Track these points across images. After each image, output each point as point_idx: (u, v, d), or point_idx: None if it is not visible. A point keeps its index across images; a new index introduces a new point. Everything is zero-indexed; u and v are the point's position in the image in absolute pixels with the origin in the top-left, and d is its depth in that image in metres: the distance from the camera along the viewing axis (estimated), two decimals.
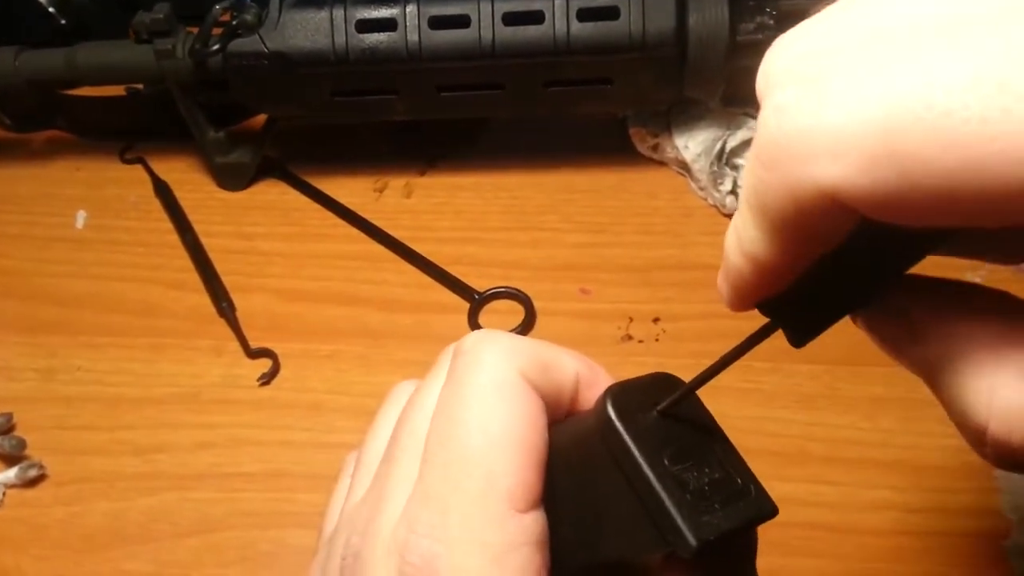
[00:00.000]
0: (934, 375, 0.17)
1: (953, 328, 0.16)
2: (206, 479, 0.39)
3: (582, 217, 0.50)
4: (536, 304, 0.45)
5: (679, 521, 0.20)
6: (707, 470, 0.21)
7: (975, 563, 0.34)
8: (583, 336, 0.44)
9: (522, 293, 0.46)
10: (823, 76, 0.14)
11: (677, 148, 0.50)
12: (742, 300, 0.19)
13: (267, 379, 0.43)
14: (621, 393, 0.22)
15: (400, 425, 0.26)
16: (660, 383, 0.23)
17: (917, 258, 0.17)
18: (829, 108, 0.14)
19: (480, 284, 0.46)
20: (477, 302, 0.46)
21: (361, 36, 0.44)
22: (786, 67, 0.15)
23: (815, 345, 0.43)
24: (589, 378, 0.25)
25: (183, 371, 0.44)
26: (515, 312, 0.45)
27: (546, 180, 0.53)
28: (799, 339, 0.20)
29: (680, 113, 0.50)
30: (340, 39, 0.44)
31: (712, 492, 0.21)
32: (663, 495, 0.20)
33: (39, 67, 0.50)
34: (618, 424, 0.21)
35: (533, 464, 0.22)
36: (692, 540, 0.20)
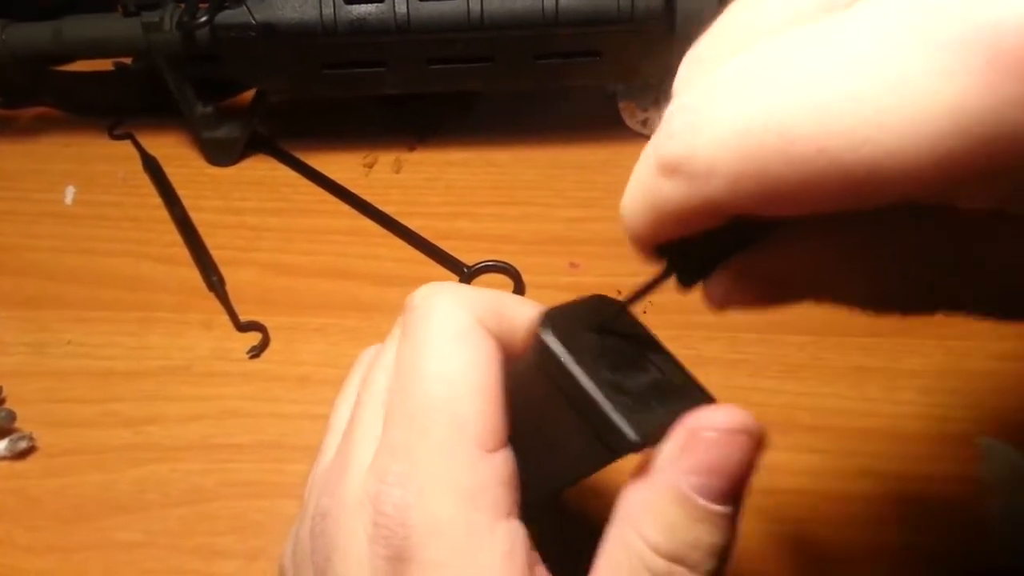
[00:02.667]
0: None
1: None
2: (196, 450, 0.39)
3: (572, 192, 0.50)
4: (525, 278, 0.46)
5: (617, 421, 0.20)
6: (643, 374, 0.22)
7: (955, 530, 0.35)
8: None
9: (511, 267, 0.46)
10: (699, 102, 0.17)
11: None
12: (637, 250, 0.21)
13: (257, 352, 0.43)
14: (555, 315, 0.22)
15: (363, 386, 0.26)
16: (595, 305, 0.23)
17: (774, 225, 0.19)
18: (700, 137, 0.16)
19: (469, 258, 0.47)
20: (466, 276, 0.46)
21: (349, 7, 0.44)
22: (677, 83, 0.18)
23: (801, 316, 0.44)
24: None
25: (173, 344, 0.44)
26: (504, 286, 0.45)
27: (536, 155, 0.53)
28: (686, 281, 0.21)
29: (669, 87, 0.50)
30: (328, 10, 0.44)
31: (650, 393, 0.21)
32: (599, 399, 0.20)
33: (26, 41, 0.50)
34: (551, 343, 0.21)
35: (495, 404, 0.23)
36: (632, 434, 0.20)
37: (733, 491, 0.20)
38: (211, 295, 0.46)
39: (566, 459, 0.23)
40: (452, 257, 0.47)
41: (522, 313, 0.25)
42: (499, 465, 0.22)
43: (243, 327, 0.44)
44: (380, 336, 0.43)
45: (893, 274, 0.19)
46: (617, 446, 0.20)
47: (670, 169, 0.17)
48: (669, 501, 0.20)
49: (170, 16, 0.47)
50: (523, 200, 0.50)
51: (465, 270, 0.46)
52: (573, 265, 0.46)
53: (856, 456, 0.37)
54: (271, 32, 0.45)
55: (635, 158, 0.58)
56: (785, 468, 0.36)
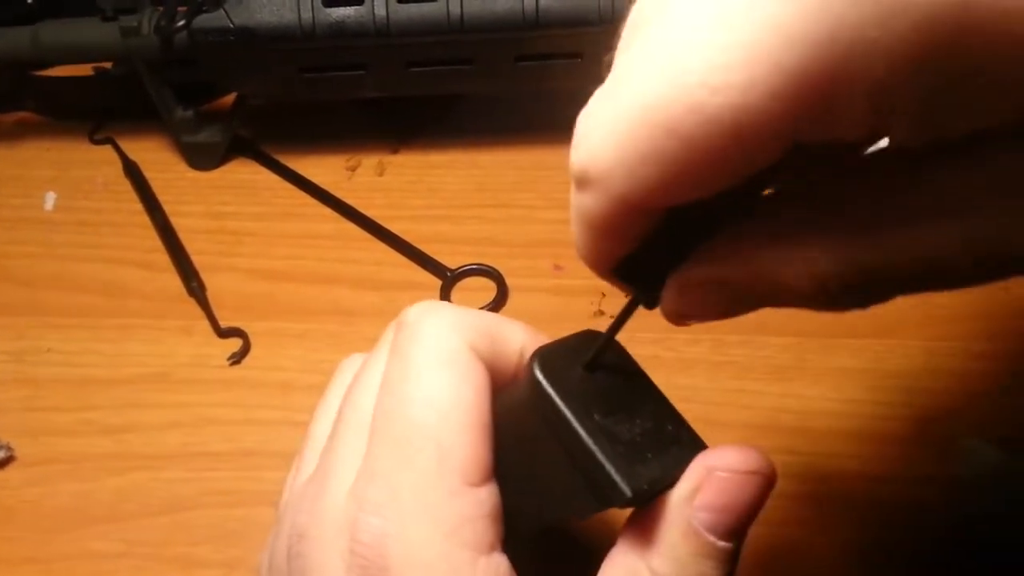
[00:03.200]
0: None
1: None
2: (175, 459, 0.39)
3: (555, 194, 0.50)
4: (509, 281, 0.45)
5: (613, 473, 0.20)
6: (638, 420, 0.22)
7: (938, 531, 0.35)
8: (555, 312, 0.44)
9: (494, 270, 0.46)
10: (584, 114, 0.18)
11: None
12: (595, 270, 0.20)
13: (237, 358, 0.43)
14: (548, 355, 0.22)
15: (345, 402, 0.25)
16: (585, 340, 0.23)
17: (716, 221, 0.19)
18: (591, 141, 0.17)
19: (453, 261, 0.46)
20: (449, 279, 0.46)
21: (328, 11, 0.44)
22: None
23: (785, 318, 0.43)
24: (533, 347, 0.24)
25: (152, 351, 0.43)
26: (487, 289, 0.45)
27: (519, 157, 0.52)
28: (648, 300, 0.21)
29: None
30: (306, 14, 0.44)
31: (644, 442, 0.21)
32: (595, 450, 0.20)
33: (3, 47, 0.50)
34: (546, 385, 0.21)
35: (482, 436, 0.22)
36: (627, 491, 0.20)
37: (741, 529, 0.21)
38: (191, 301, 0.46)
39: (555, 499, 0.22)
40: (435, 261, 0.47)
41: (515, 338, 0.25)
42: (483, 499, 0.22)
43: (224, 333, 0.44)
44: (362, 341, 0.43)
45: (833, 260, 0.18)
46: (610, 499, 0.20)
47: (581, 181, 0.18)
48: (679, 535, 0.20)
49: (148, 20, 0.47)
50: (506, 202, 0.50)
51: (448, 274, 0.46)
52: (557, 267, 0.46)
53: (840, 458, 0.37)
54: (249, 36, 0.44)
55: None
56: None
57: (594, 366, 0.22)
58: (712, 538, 0.20)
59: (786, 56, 0.14)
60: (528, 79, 0.47)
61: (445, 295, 0.45)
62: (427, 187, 0.51)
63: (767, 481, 0.21)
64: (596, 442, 0.20)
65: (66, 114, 0.58)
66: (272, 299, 0.46)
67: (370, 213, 0.49)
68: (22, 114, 0.59)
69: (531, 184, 0.51)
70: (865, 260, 0.17)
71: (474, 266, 0.46)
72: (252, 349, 0.43)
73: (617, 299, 0.44)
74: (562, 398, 0.21)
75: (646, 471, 0.20)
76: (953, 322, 0.41)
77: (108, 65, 0.55)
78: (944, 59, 0.13)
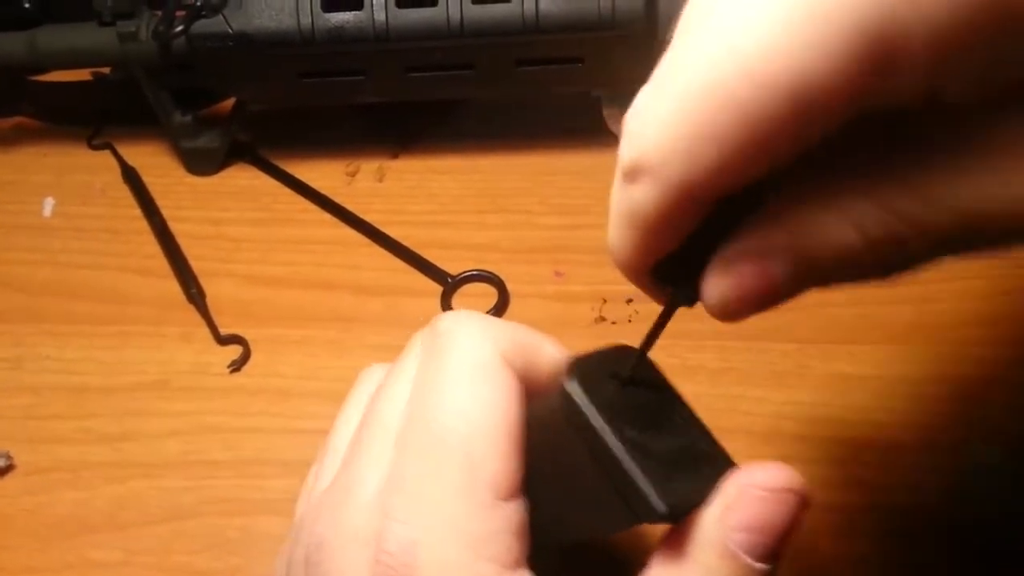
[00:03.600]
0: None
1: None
2: (175, 467, 0.39)
3: (556, 199, 0.50)
4: (510, 287, 0.45)
5: (645, 489, 0.20)
6: (669, 437, 0.21)
7: (944, 539, 0.34)
8: (557, 318, 0.44)
9: (495, 276, 0.45)
10: (637, 110, 0.18)
11: None
12: (627, 275, 0.21)
13: (237, 366, 0.42)
14: (580, 367, 0.22)
15: (370, 410, 0.25)
16: (617, 354, 0.23)
17: (756, 204, 0.19)
18: (648, 130, 0.17)
19: (453, 267, 0.46)
20: (450, 285, 0.45)
21: (327, 16, 0.44)
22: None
23: (787, 324, 0.43)
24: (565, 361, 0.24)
25: (152, 358, 0.43)
26: (488, 295, 0.45)
27: (520, 163, 0.52)
28: (688, 298, 0.21)
29: None
30: (305, 19, 0.44)
31: (677, 459, 0.21)
32: (628, 464, 0.20)
33: (1, 51, 0.50)
34: (578, 398, 0.21)
35: (514, 449, 0.22)
36: (661, 507, 0.20)
37: (777, 549, 0.20)
38: (191, 307, 0.45)
39: (585, 514, 0.22)
40: (435, 267, 0.46)
41: (547, 351, 0.24)
42: (511, 514, 0.22)
43: (223, 340, 0.44)
44: (363, 347, 0.43)
45: (882, 221, 0.18)
46: (643, 515, 0.20)
47: (634, 173, 0.18)
48: (716, 557, 0.20)
49: (146, 25, 0.46)
50: (507, 208, 0.50)
51: (449, 280, 0.46)
52: (558, 274, 0.46)
53: (843, 464, 0.36)
54: (248, 41, 0.44)
55: None
56: None
57: (627, 381, 0.22)
58: (749, 560, 0.20)
59: (841, 14, 0.14)
60: (528, 84, 0.47)
61: (446, 301, 0.45)
62: (427, 193, 0.51)
63: (801, 499, 0.20)
64: (630, 456, 0.20)
65: (64, 119, 0.58)
66: (272, 305, 0.45)
67: (370, 219, 0.49)
68: (20, 119, 0.58)
69: (532, 190, 0.50)
70: (914, 212, 0.17)
71: (475, 272, 0.46)
72: (252, 356, 0.43)
73: (617, 305, 0.43)
74: (595, 411, 0.21)
75: (679, 487, 0.20)
76: (956, 328, 0.40)
77: (107, 70, 0.55)
78: (1002, 11, 0.14)
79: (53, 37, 0.49)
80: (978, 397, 0.38)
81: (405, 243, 0.48)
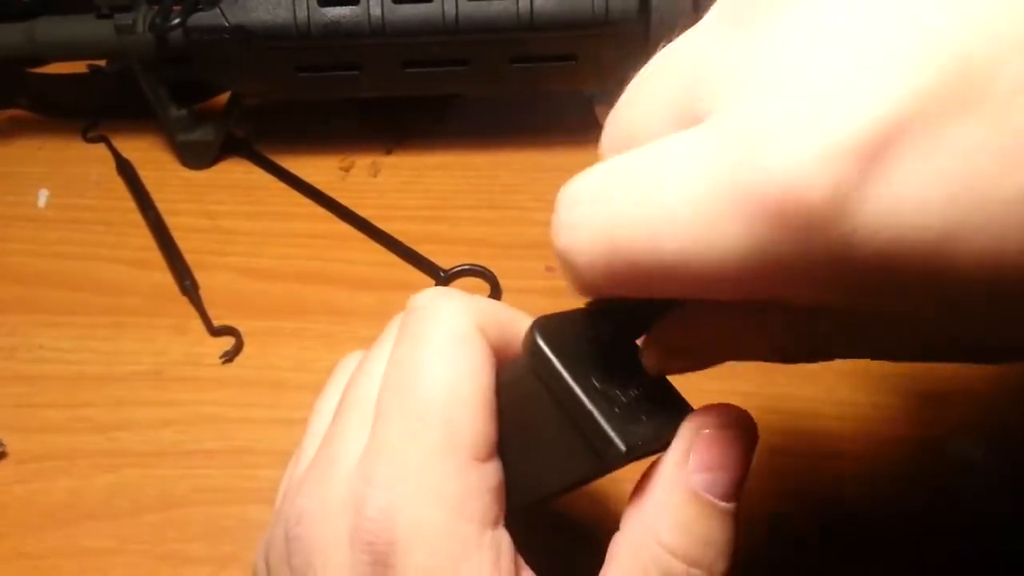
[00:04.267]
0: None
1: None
2: (168, 456, 0.39)
3: (549, 196, 0.49)
4: (502, 282, 0.45)
5: (608, 431, 0.21)
6: (630, 386, 0.22)
7: (926, 531, 0.35)
8: (547, 312, 0.44)
9: (488, 270, 0.46)
10: (569, 201, 0.20)
11: None
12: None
13: (230, 357, 0.43)
14: (548, 323, 0.22)
15: (349, 388, 0.26)
16: (581, 314, 0.24)
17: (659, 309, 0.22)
18: (571, 245, 0.19)
19: (446, 262, 0.46)
20: (443, 280, 0.46)
21: (323, 10, 0.44)
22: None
23: None
24: None
25: (145, 349, 0.43)
26: (481, 289, 0.45)
27: (513, 159, 0.53)
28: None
29: None
30: (302, 13, 0.44)
31: (638, 406, 0.22)
32: (591, 408, 0.21)
33: None
34: (546, 349, 0.22)
35: (489, 414, 0.23)
36: (621, 446, 0.20)
37: (737, 485, 0.21)
38: (184, 299, 0.46)
39: (555, 467, 0.23)
40: (429, 261, 0.47)
41: (521, 325, 0.25)
42: (488, 475, 0.22)
43: (216, 331, 0.44)
44: (355, 340, 0.43)
45: (787, 336, 0.21)
46: (606, 455, 0.21)
47: (559, 256, 0.19)
48: (682, 501, 0.21)
49: (143, 18, 0.47)
50: (500, 204, 0.50)
51: (442, 274, 0.46)
52: (549, 269, 0.46)
53: (830, 458, 0.37)
54: (244, 35, 0.45)
55: None
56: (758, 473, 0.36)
57: (594, 340, 0.23)
58: (712, 498, 0.21)
59: (734, 256, 0.16)
60: (522, 81, 0.47)
61: None
62: (421, 188, 0.51)
63: (751, 434, 0.22)
64: (592, 401, 0.21)
65: (59, 112, 0.58)
66: (265, 298, 0.46)
67: (364, 213, 0.50)
68: (15, 111, 0.59)
69: (525, 186, 0.51)
70: (794, 353, 0.21)
71: (467, 267, 0.46)
72: (245, 348, 0.43)
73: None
74: (561, 361, 0.21)
75: (640, 430, 0.21)
76: None
77: (102, 63, 0.55)
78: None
79: (51, 29, 0.49)
80: (964, 392, 0.39)
81: (399, 238, 0.48)
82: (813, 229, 0.14)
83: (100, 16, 0.48)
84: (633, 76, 0.20)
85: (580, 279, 0.19)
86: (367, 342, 0.42)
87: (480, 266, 0.46)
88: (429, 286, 0.45)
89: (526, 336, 0.22)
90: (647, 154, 0.17)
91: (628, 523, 0.22)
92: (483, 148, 0.53)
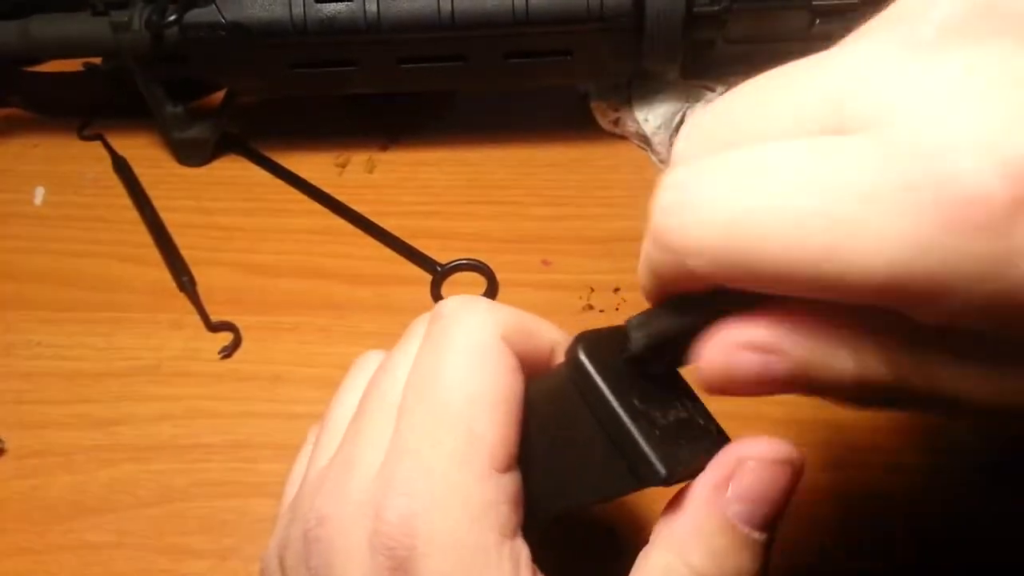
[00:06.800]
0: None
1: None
2: (167, 450, 0.39)
3: (544, 191, 0.51)
4: (498, 276, 0.46)
5: (649, 453, 0.21)
6: (672, 411, 0.22)
7: (927, 521, 0.35)
8: (545, 306, 0.44)
9: (484, 265, 0.46)
10: (692, 186, 0.18)
11: (637, 121, 0.51)
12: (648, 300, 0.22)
13: (228, 352, 0.43)
14: (589, 341, 0.23)
15: (371, 390, 0.26)
16: (621, 332, 0.23)
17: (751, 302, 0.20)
18: (689, 226, 0.18)
19: (442, 257, 0.47)
20: (439, 274, 0.46)
21: (319, 6, 0.44)
22: (679, 144, 0.20)
23: None
24: (564, 347, 0.25)
25: (143, 345, 0.43)
26: (477, 284, 0.46)
27: (509, 155, 0.53)
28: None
29: (640, 87, 0.51)
30: (298, 9, 0.44)
31: (677, 430, 0.22)
32: (633, 430, 0.21)
33: None
34: (589, 367, 0.22)
35: (511, 424, 0.23)
36: (662, 471, 0.21)
37: (774, 519, 0.21)
38: (182, 295, 0.46)
39: (586, 481, 0.23)
40: (425, 256, 0.47)
41: (547, 335, 0.25)
42: (508, 485, 0.23)
43: (214, 327, 0.44)
44: (353, 335, 0.44)
45: (879, 364, 0.19)
46: (645, 477, 0.21)
47: (660, 242, 0.19)
48: (715, 529, 0.21)
49: (139, 15, 0.47)
50: (496, 199, 0.50)
51: (438, 269, 0.46)
52: (545, 263, 0.47)
53: (828, 448, 0.37)
54: (241, 31, 0.45)
55: (607, 157, 0.59)
56: None
57: (631, 357, 0.23)
58: (748, 529, 0.21)
59: (901, 263, 0.15)
60: (518, 76, 0.48)
61: (435, 290, 0.45)
62: (417, 184, 0.52)
63: (796, 470, 0.21)
64: (635, 422, 0.21)
65: (55, 110, 0.58)
66: (263, 293, 0.46)
67: (360, 209, 0.50)
68: (9, 110, 0.58)
69: (520, 181, 0.51)
70: (915, 381, 0.18)
71: (464, 261, 0.46)
72: (243, 343, 0.43)
73: (604, 294, 0.44)
74: (603, 379, 0.22)
75: (679, 454, 0.21)
76: None
77: (98, 61, 0.55)
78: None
79: (46, 26, 0.49)
80: None
81: (395, 233, 0.48)
82: (986, 232, 0.15)
83: (95, 14, 0.48)
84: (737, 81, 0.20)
85: (676, 265, 0.18)
86: (365, 336, 0.43)
87: (476, 260, 0.46)
88: (426, 280, 0.46)
89: (568, 350, 0.22)
90: (795, 150, 0.17)
91: (659, 540, 0.22)
92: (478, 144, 0.53)
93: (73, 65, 0.57)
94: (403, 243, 0.48)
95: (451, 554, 0.21)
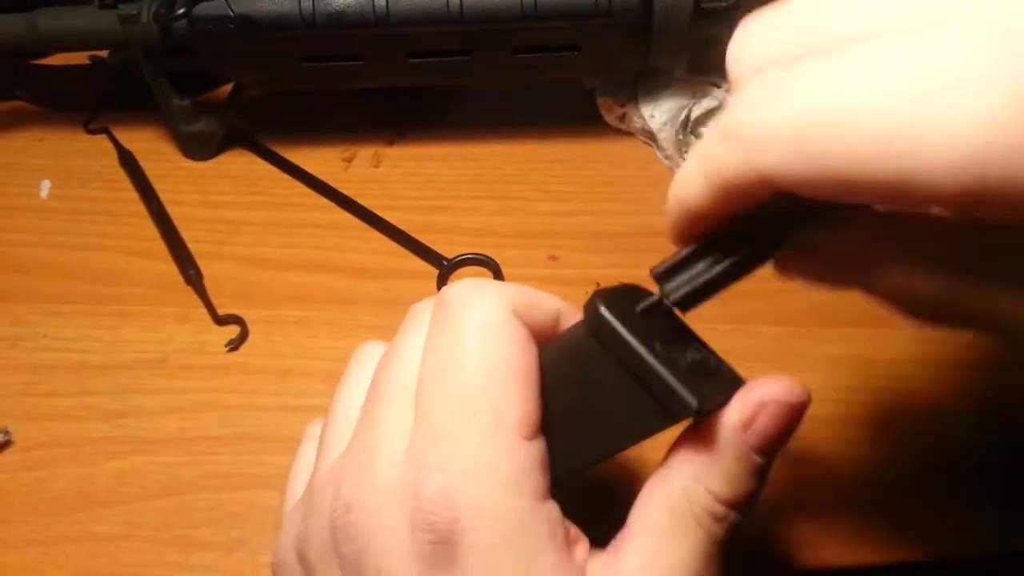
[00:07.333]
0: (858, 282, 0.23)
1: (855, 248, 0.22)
2: (174, 443, 0.39)
3: (551, 186, 0.51)
4: (504, 270, 0.46)
5: (680, 389, 0.22)
6: (688, 353, 0.24)
7: (936, 518, 0.35)
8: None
9: (491, 259, 0.46)
10: (771, 87, 0.19)
11: (644, 117, 0.51)
12: (677, 238, 0.24)
13: (235, 345, 0.43)
14: (606, 296, 0.24)
15: (381, 377, 0.26)
16: (632, 291, 0.25)
17: (814, 221, 0.22)
18: (771, 117, 0.18)
19: (449, 251, 0.47)
20: (446, 268, 0.46)
21: (328, 0, 0.44)
22: (748, 65, 0.20)
23: (775, 307, 0.44)
24: (568, 313, 0.27)
25: (150, 338, 0.43)
26: (484, 278, 0.46)
27: (515, 150, 0.53)
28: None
29: (646, 83, 0.51)
30: (307, 3, 0.44)
31: (697, 369, 0.24)
32: (662, 370, 0.22)
33: (0, 33, 0.50)
34: (611, 318, 0.23)
35: (532, 393, 0.24)
36: (693, 403, 0.22)
37: (779, 449, 0.24)
38: (188, 289, 0.46)
39: (614, 430, 0.24)
40: (431, 250, 0.47)
41: (551, 305, 0.26)
42: (535, 452, 0.24)
43: (221, 320, 0.44)
44: (360, 328, 0.44)
45: (929, 276, 0.21)
46: (678, 413, 0.22)
47: (732, 135, 0.19)
48: (735, 459, 0.23)
49: (147, 8, 0.47)
50: (502, 194, 0.50)
51: (445, 263, 0.46)
52: (552, 258, 0.47)
53: (830, 443, 0.37)
54: (249, 24, 0.45)
55: (613, 152, 0.58)
56: None
57: (646, 311, 0.24)
58: (758, 458, 0.23)
59: (976, 162, 0.16)
60: (526, 71, 0.48)
61: (441, 284, 0.46)
62: (423, 179, 0.52)
63: (805, 408, 0.24)
64: (661, 363, 0.22)
65: (61, 104, 0.58)
66: (269, 287, 0.46)
67: (366, 203, 0.50)
68: (16, 103, 0.59)
69: (526, 176, 0.51)
70: (967, 300, 0.20)
71: (470, 255, 0.46)
72: (250, 336, 0.43)
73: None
74: (625, 327, 0.23)
75: (704, 389, 0.23)
76: None
77: (104, 54, 0.55)
78: None
79: (53, 19, 0.49)
80: (965, 379, 0.39)
81: (401, 227, 0.48)
82: None
83: (103, 6, 0.48)
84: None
85: (742, 165, 0.19)
86: (372, 329, 0.43)
87: (483, 255, 0.46)
88: (432, 275, 0.46)
89: (587, 307, 0.24)
90: (887, 44, 0.17)
91: (675, 468, 0.24)
92: (485, 139, 0.53)
93: (79, 58, 0.57)
94: (409, 237, 0.48)
95: (492, 522, 0.22)
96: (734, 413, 0.23)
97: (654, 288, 0.25)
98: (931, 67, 0.16)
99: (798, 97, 0.18)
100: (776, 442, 0.23)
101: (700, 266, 0.24)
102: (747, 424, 0.23)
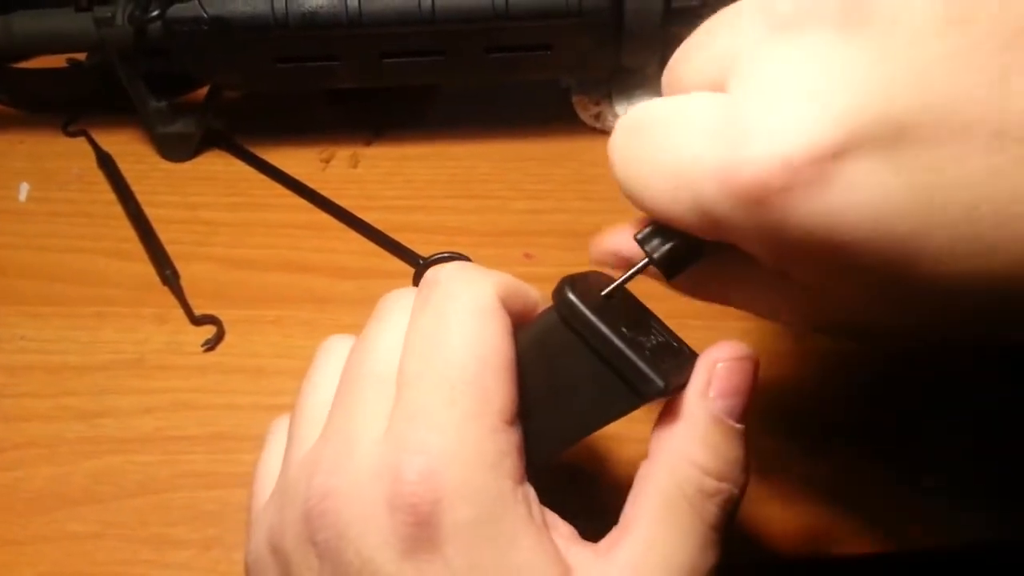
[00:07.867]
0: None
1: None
2: (150, 442, 0.39)
3: (527, 185, 0.51)
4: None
5: (647, 370, 0.23)
6: (651, 335, 0.25)
7: (912, 504, 0.36)
8: None
9: (466, 258, 0.46)
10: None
11: (618, 116, 0.51)
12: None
13: (211, 345, 0.43)
14: (574, 281, 0.25)
15: (355, 366, 0.26)
16: (596, 277, 0.26)
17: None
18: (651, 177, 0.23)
19: (425, 250, 0.47)
20: (422, 267, 0.46)
21: (301, 1, 0.44)
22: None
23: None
24: (545, 303, 0.27)
25: (127, 338, 0.44)
26: None
27: (492, 149, 0.53)
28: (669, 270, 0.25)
29: (621, 81, 0.51)
30: (280, 4, 0.44)
31: (660, 350, 0.25)
32: (629, 353, 0.23)
33: None
34: (579, 304, 0.24)
35: (513, 379, 0.25)
36: (659, 383, 0.23)
37: (747, 408, 0.25)
38: (165, 289, 0.46)
39: (587, 413, 0.25)
40: (408, 249, 0.47)
41: (531, 294, 0.27)
42: (514, 437, 0.24)
43: (198, 320, 0.44)
44: (336, 327, 0.43)
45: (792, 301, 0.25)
46: (646, 393, 0.24)
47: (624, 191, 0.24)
48: (707, 427, 0.24)
49: (122, 10, 0.47)
50: (479, 193, 0.51)
51: (421, 262, 0.46)
52: (527, 256, 0.47)
53: (805, 435, 0.38)
54: (223, 26, 0.45)
55: (588, 151, 0.59)
56: None
57: (609, 295, 0.25)
58: (732, 422, 0.24)
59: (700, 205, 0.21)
60: (499, 70, 0.48)
61: (417, 282, 0.46)
62: (400, 179, 0.52)
63: (756, 364, 0.25)
64: (628, 347, 0.24)
65: (39, 106, 0.58)
66: (246, 287, 0.46)
67: (344, 204, 0.50)
68: None
69: (502, 175, 0.52)
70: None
71: (446, 254, 0.47)
72: (226, 336, 0.44)
73: None
74: (592, 312, 0.24)
75: (668, 369, 0.24)
76: None
77: (82, 57, 0.56)
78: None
79: (29, 22, 0.49)
80: (943, 370, 0.39)
81: (378, 227, 0.48)
82: (762, 206, 0.19)
83: (79, 9, 0.48)
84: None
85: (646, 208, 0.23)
86: (348, 329, 0.43)
87: (459, 253, 0.46)
88: (408, 273, 0.46)
89: (555, 294, 0.25)
90: (675, 105, 0.22)
91: (659, 450, 0.25)
92: (461, 139, 0.54)
93: (57, 61, 0.57)
94: (386, 237, 0.48)
95: (473, 503, 0.23)
96: (693, 382, 0.25)
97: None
98: (683, 138, 0.21)
99: (670, 160, 0.22)
100: (738, 398, 0.24)
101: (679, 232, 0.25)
102: (707, 388, 0.24)
